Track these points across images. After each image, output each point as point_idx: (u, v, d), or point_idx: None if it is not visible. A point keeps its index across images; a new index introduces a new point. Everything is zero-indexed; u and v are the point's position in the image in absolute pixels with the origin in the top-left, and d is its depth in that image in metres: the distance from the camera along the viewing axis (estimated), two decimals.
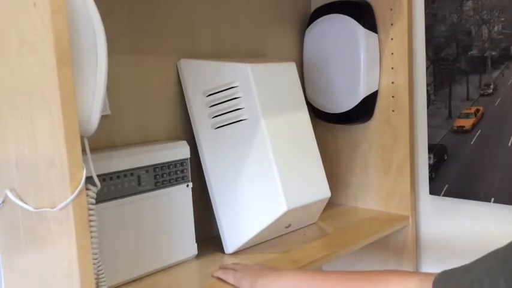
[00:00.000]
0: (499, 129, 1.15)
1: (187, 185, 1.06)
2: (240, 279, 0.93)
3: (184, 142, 1.07)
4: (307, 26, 1.37)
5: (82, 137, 0.73)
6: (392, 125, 1.30)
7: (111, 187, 0.94)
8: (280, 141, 1.07)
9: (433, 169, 1.26)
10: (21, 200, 0.76)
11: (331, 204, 1.30)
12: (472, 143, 1.19)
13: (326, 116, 1.36)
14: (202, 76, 1.11)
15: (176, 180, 1.04)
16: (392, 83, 1.29)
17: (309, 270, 0.98)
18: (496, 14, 1.14)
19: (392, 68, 1.28)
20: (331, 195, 1.19)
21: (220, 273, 0.97)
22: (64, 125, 0.67)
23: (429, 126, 1.25)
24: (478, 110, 1.18)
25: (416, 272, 0.86)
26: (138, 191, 0.98)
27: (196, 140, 1.13)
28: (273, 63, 1.13)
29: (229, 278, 0.95)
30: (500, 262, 0.65)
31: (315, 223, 1.26)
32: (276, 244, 1.14)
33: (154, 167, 1.00)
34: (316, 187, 1.14)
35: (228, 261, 1.06)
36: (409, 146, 1.28)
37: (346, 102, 1.31)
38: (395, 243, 1.32)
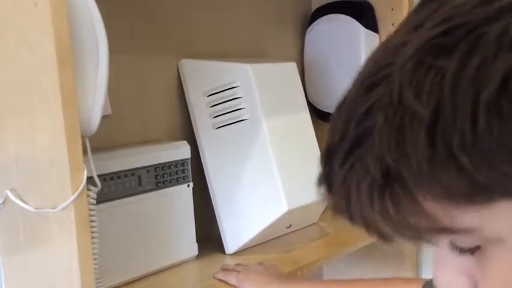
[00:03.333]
0: None
1: (188, 185, 1.06)
2: (243, 281, 0.93)
3: (185, 142, 1.07)
4: (308, 26, 1.37)
5: (83, 137, 0.73)
6: None
7: (112, 187, 0.93)
8: (281, 141, 1.07)
9: None
10: (22, 200, 0.75)
11: None
12: None
13: (327, 116, 1.36)
14: (203, 76, 1.10)
15: (177, 180, 1.03)
16: None
17: (313, 281, 0.98)
18: None
19: None
20: None
21: (221, 275, 0.97)
22: (65, 125, 0.67)
23: None
24: None
25: (417, 278, 0.87)
26: (138, 191, 0.98)
27: (197, 140, 1.12)
28: (274, 63, 1.13)
29: (232, 279, 0.94)
30: None
31: (315, 223, 1.26)
32: (276, 244, 1.13)
33: (155, 167, 1.00)
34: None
35: (229, 261, 1.06)
36: None
37: None
38: (395, 243, 1.31)
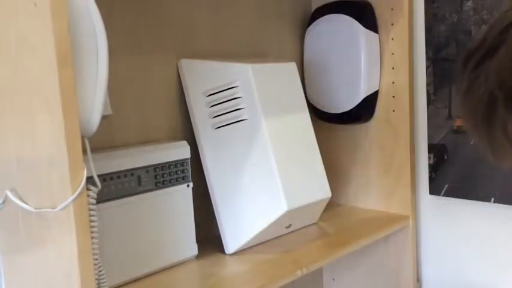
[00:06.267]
0: None
1: (188, 185, 1.06)
2: None
3: (185, 142, 1.07)
4: (308, 26, 1.37)
5: (83, 137, 0.73)
6: (393, 125, 1.30)
7: (112, 187, 0.94)
8: (280, 141, 1.07)
9: (433, 169, 1.26)
10: (22, 200, 0.76)
11: (331, 204, 1.30)
12: (472, 143, 1.19)
13: (326, 116, 1.36)
14: (202, 76, 1.11)
15: (176, 180, 1.03)
16: (393, 83, 1.29)
17: None
18: (496, 14, 1.14)
19: (393, 68, 1.28)
20: (332, 195, 1.19)
21: None
22: (65, 125, 0.67)
23: (429, 126, 1.25)
24: None
25: None
26: (138, 191, 0.98)
27: (196, 140, 1.13)
28: (274, 63, 1.13)
29: None
30: None
31: (315, 223, 1.26)
32: (276, 244, 1.13)
33: (155, 167, 1.00)
34: (316, 187, 1.14)
35: (229, 261, 1.06)
36: (410, 145, 1.28)
37: (347, 102, 1.30)
38: (395, 243, 1.32)
